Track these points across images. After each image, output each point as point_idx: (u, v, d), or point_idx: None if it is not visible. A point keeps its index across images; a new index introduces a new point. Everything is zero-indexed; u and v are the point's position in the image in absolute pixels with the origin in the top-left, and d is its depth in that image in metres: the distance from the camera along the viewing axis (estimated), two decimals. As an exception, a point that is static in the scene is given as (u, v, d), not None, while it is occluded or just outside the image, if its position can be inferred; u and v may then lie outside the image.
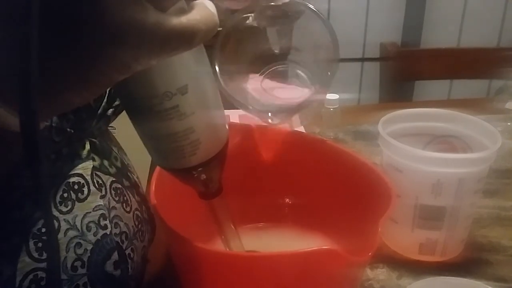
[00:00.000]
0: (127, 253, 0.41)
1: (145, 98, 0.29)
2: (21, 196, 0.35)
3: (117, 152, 0.45)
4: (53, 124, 0.35)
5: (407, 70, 1.21)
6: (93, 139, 0.40)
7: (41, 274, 0.35)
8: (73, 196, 0.37)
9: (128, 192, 0.43)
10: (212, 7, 0.25)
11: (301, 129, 0.76)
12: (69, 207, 0.37)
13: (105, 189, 0.40)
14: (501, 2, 1.61)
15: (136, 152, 0.35)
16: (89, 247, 0.37)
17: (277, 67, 0.42)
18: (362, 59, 1.67)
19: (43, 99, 0.21)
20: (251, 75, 0.44)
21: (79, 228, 0.37)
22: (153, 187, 0.41)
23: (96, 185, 0.39)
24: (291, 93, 0.44)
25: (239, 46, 0.43)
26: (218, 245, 0.42)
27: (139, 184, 0.48)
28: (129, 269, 0.41)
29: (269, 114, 0.46)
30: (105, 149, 0.42)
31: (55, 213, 0.36)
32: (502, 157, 0.52)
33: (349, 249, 0.36)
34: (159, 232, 0.49)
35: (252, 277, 0.37)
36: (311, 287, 0.37)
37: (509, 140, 0.78)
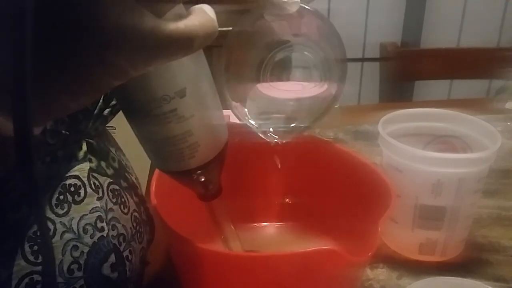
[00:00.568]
0: (124, 255, 0.40)
1: (143, 101, 0.29)
2: (16, 199, 0.35)
3: (114, 153, 0.44)
4: (47, 127, 0.35)
5: (407, 70, 1.21)
6: (90, 140, 0.40)
7: (37, 277, 0.35)
8: (70, 198, 0.37)
9: (126, 193, 0.43)
10: (211, 12, 0.25)
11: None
12: (65, 209, 0.37)
13: (102, 190, 0.39)
14: (501, 2, 1.61)
15: (136, 152, 0.35)
16: (86, 249, 0.37)
17: (283, 49, 0.41)
18: (362, 59, 1.67)
19: (39, 104, 0.21)
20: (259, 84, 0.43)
21: (76, 230, 0.37)
22: (153, 187, 0.41)
23: (93, 186, 0.39)
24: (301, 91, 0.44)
25: (245, 52, 0.42)
26: (218, 245, 0.42)
27: (137, 185, 0.47)
28: (127, 272, 0.40)
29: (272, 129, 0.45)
30: (103, 150, 0.42)
31: (51, 215, 0.36)
32: (502, 157, 0.52)
33: (349, 249, 0.36)
34: (159, 232, 0.49)
35: (252, 277, 0.37)
36: (311, 287, 0.37)
37: (509, 140, 0.78)
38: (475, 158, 0.49)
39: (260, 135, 0.46)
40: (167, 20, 0.22)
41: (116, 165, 0.43)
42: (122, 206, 0.41)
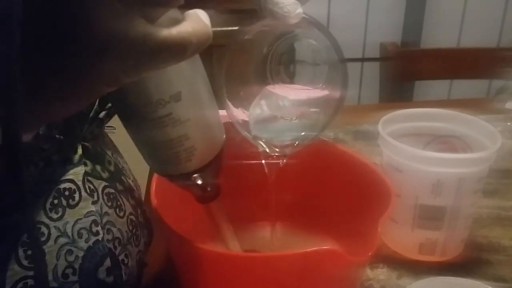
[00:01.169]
0: (120, 259, 0.40)
1: (138, 106, 0.29)
2: (10, 204, 0.34)
3: (111, 156, 0.44)
4: (41, 132, 0.35)
5: (407, 70, 1.21)
6: (85, 144, 0.40)
7: (30, 282, 0.34)
8: (64, 202, 0.37)
9: (121, 196, 0.43)
10: (205, 18, 0.24)
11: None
12: (59, 213, 0.36)
13: (97, 194, 0.39)
14: (501, 2, 1.61)
15: (136, 152, 0.35)
16: (81, 254, 0.37)
17: (287, 38, 0.40)
18: (362, 59, 1.67)
19: (30, 110, 0.21)
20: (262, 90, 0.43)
21: (70, 235, 0.36)
22: (153, 188, 0.41)
23: (88, 190, 0.38)
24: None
25: (248, 53, 0.42)
26: (218, 245, 0.42)
27: (134, 188, 0.47)
28: (123, 275, 0.40)
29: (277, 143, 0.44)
30: (98, 153, 0.41)
31: (45, 220, 0.35)
32: (502, 157, 0.52)
33: (349, 249, 0.36)
34: (158, 233, 0.49)
35: (252, 277, 0.37)
36: (311, 287, 0.37)
37: (509, 140, 0.78)
38: (475, 158, 0.49)
39: (263, 147, 0.44)
40: (160, 26, 0.22)
41: (112, 168, 0.43)
42: (117, 209, 0.41)
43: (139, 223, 0.45)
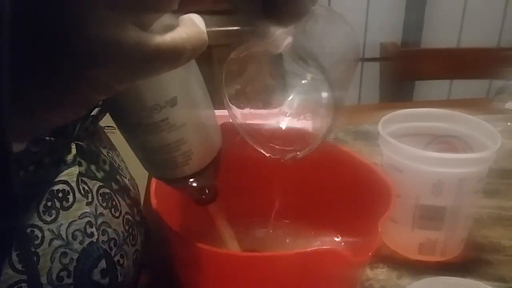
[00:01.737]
0: (116, 260, 0.39)
1: (133, 111, 0.28)
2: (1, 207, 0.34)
3: (106, 155, 0.43)
4: None
5: (407, 70, 1.21)
6: (79, 143, 0.39)
7: (25, 286, 0.34)
8: (57, 204, 0.36)
9: (117, 196, 0.42)
10: (201, 23, 0.24)
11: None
12: (53, 216, 0.36)
13: (92, 195, 0.39)
14: (501, 2, 1.61)
15: (136, 153, 0.35)
16: (75, 256, 0.36)
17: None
18: (362, 59, 1.67)
19: (21, 120, 0.21)
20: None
21: (64, 237, 0.36)
22: (153, 188, 0.41)
23: (82, 191, 0.38)
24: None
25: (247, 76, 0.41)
26: (218, 245, 0.42)
27: (130, 187, 0.46)
28: (119, 276, 0.40)
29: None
30: (93, 152, 0.41)
31: (38, 223, 0.35)
32: (502, 157, 0.52)
33: (349, 249, 0.36)
34: (158, 233, 0.49)
35: (252, 277, 0.37)
36: (311, 287, 0.37)
37: (509, 140, 0.78)
38: (475, 158, 0.49)
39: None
40: (154, 32, 0.21)
41: (107, 167, 0.42)
42: (113, 209, 0.41)
43: (135, 222, 0.44)
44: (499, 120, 0.84)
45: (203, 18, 0.24)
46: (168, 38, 0.21)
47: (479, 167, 0.49)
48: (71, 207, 0.37)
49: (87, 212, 0.38)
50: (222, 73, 0.39)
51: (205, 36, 0.23)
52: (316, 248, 0.34)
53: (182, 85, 0.29)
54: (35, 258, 0.34)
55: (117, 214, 0.41)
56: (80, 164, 0.38)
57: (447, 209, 0.50)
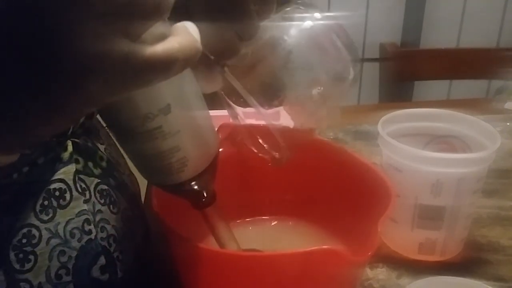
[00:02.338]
0: (115, 256, 0.39)
1: (126, 120, 0.28)
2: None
3: (103, 151, 0.43)
4: None
5: (407, 70, 1.21)
6: (76, 140, 0.39)
7: (24, 285, 0.34)
8: (54, 203, 0.36)
9: (115, 192, 0.42)
10: (194, 31, 0.23)
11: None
12: (50, 215, 0.36)
13: (89, 192, 0.38)
14: (501, 2, 1.61)
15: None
16: (74, 254, 0.36)
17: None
18: (362, 60, 1.67)
19: (12, 133, 0.21)
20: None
21: (62, 235, 0.36)
22: (153, 187, 0.41)
23: (79, 189, 0.38)
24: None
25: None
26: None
27: (128, 182, 0.46)
28: (118, 272, 0.40)
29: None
30: (90, 149, 0.40)
31: (36, 222, 0.35)
32: (502, 157, 0.52)
33: (349, 249, 0.36)
34: (158, 232, 0.49)
35: (252, 277, 0.37)
36: (311, 287, 0.37)
37: (508, 140, 0.78)
38: (474, 158, 0.49)
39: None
40: (145, 42, 0.21)
41: (104, 164, 0.42)
42: (111, 206, 0.41)
43: (135, 217, 0.44)
44: (498, 120, 0.84)
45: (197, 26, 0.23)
46: (159, 49, 0.21)
47: (478, 167, 0.49)
48: (68, 205, 0.37)
49: (85, 209, 0.38)
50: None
51: (199, 44, 0.23)
52: (316, 248, 0.34)
53: (175, 92, 0.29)
54: (33, 257, 0.35)
55: (115, 210, 0.41)
56: (77, 162, 0.38)
57: (446, 209, 0.50)
